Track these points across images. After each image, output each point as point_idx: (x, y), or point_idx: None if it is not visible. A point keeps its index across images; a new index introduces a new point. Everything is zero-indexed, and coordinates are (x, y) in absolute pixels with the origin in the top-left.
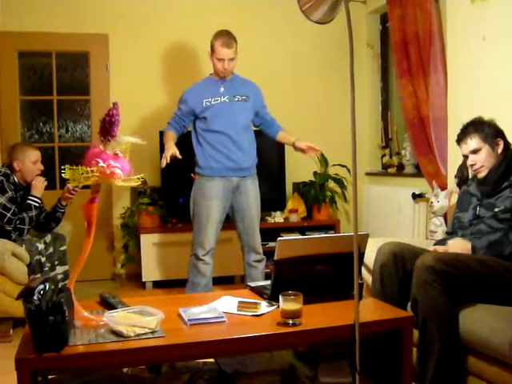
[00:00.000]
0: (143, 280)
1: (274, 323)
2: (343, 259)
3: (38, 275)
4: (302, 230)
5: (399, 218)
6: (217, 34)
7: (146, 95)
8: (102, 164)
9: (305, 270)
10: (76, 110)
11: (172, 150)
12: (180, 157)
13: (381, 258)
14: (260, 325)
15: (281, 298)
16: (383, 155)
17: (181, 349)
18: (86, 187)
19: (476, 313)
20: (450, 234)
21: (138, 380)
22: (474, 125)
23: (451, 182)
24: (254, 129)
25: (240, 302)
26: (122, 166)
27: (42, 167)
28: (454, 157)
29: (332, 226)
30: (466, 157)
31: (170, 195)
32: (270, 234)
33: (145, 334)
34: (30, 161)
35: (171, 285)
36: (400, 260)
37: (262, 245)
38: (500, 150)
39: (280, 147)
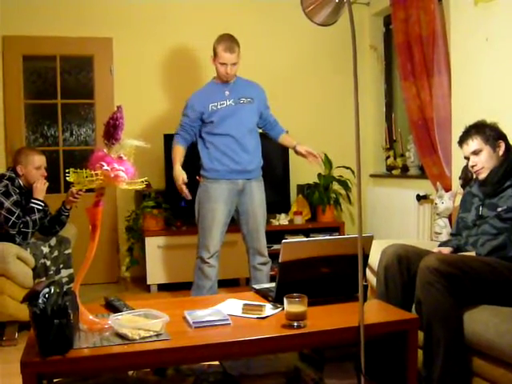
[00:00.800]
0: (148, 283)
1: (278, 325)
2: (348, 261)
3: (43, 279)
4: (306, 233)
5: (404, 219)
6: (219, 39)
7: (150, 98)
8: (106, 167)
9: (309, 272)
10: (80, 113)
11: (178, 177)
12: (186, 180)
13: (385, 259)
14: (265, 327)
15: (285, 300)
16: (387, 157)
17: (186, 351)
18: (90, 190)
19: (480, 314)
20: (455, 235)
21: (142, 383)
22: (476, 127)
23: (455, 183)
24: (259, 131)
25: (245, 305)
26: (127, 169)
27: (45, 173)
28: (458, 158)
29: (336, 228)
30: (467, 158)
31: (175, 198)
32: (274, 236)
33: (150, 336)
34: (33, 166)
35: (176, 288)
36: (404, 262)
37: (267, 247)
38: (501, 152)
39: (284, 149)
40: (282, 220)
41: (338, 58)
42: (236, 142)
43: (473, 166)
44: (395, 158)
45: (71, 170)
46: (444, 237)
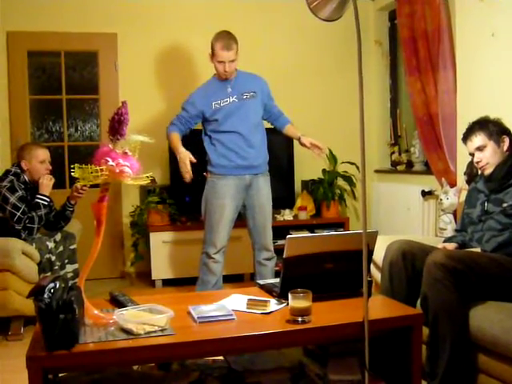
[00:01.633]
0: (153, 278)
1: (283, 321)
2: (352, 257)
3: (48, 274)
4: (311, 228)
5: (408, 215)
6: (216, 36)
7: (155, 94)
8: (111, 163)
9: (314, 268)
10: (85, 109)
11: (186, 155)
12: (194, 160)
13: (390, 255)
14: (269, 322)
15: (290, 295)
16: (392, 152)
17: (190, 346)
18: (95, 186)
19: (486, 310)
20: (460, 231)
21: (147, 378)
22: (479, 123)
23: (460, 178)
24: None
25: (249, 300)
26: (131, 165)
27: (49, 167)
28: (463, 154)
29: (341, 224)
30: (472, 155)
31: (180, 193)
32: (279, 231)
33: (154, 331)
34: (37, 160)
35: (181, 283)
36: (409, 257)
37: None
38: (506, 147)
39: (289, 145)
40: (287, 215)
41: (343, 53)
42: (242, 138)
43: (478, 162)
44: (400, 154)
45: (76, 165)
46: (449, 233)
